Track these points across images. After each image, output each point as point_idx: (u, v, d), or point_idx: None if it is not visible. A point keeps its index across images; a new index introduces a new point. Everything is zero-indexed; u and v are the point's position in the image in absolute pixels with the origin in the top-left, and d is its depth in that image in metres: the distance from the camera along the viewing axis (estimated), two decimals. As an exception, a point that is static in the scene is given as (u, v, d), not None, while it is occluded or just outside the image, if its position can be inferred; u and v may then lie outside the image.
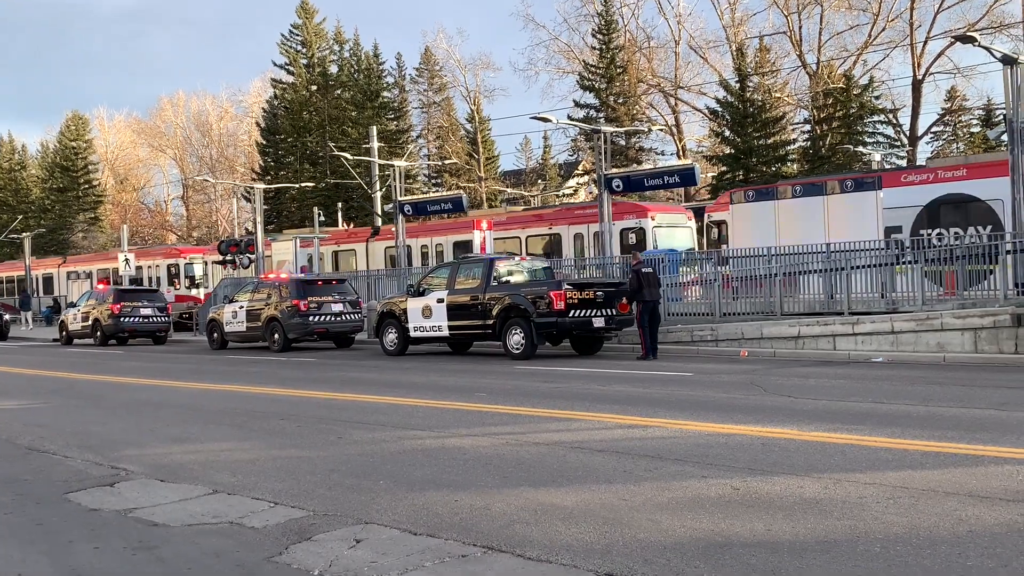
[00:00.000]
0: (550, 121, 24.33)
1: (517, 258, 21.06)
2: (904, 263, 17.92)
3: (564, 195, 61.31)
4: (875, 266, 18.32)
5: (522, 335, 17.65)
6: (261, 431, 10.60)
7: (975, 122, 57.48)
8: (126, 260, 37.69)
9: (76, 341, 31.52)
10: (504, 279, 18.93)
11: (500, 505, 6.64)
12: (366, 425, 10.46)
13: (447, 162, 59.24)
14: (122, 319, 29.13)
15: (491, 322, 18.22)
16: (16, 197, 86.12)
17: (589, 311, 17.62)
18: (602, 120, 48.94)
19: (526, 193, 62.49)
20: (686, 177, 21.36)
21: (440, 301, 19.20)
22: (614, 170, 23.75)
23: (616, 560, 5.32)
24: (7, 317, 40.17)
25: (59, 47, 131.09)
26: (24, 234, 59.30)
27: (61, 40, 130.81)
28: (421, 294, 19.70)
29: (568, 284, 17.71)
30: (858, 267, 18.39)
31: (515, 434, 9.40)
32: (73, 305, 33.01)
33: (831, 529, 5.69)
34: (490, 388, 13.47)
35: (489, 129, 67.66)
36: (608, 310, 17.93)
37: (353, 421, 10.83)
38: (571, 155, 64.61)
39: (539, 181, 68.33)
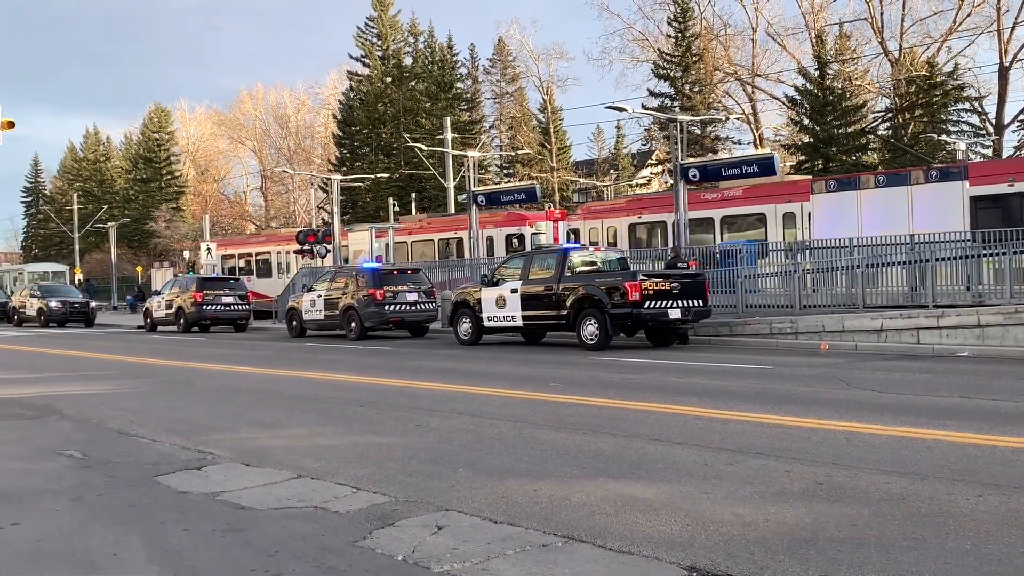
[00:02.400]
0: (625, 111, 24.17)
1: (591, 248, 21.01)
2: (991, 255, 17.38)
3: (637, 185, 60.91)
4: (961, 258, 17.84)
5: (596, 326, 17.60)
6: (341, 417, 10.76)
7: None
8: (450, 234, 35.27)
9: (159, 328, 32.37)
10: (578, 269, 18.91)
11: (579, 495, 6.64)
12: (443, 413, 10.55)
13: (520, 152, 59.24)
14: (204, 307, 29.85)
15: (565, 312, 18.21)
16: (101, 188, 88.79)
17: (665, 302, 17.49)
18: (677, 109, 48.48)
19: (598, 183, 62.21)
20: (765, 167, 20.97)
21: (514, 291, 19.26)
22: (690, 159, 23.48)
23: (699, 553, 5.29)
24: (93, 304, 41.43)
25: (139, 41, 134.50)
26: (109, 224, 61.14)
27: (141, 34, 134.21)
28: (495, 284, 19.79)
29: (644, 274, 17.60)
30: (943, 259, 17.92)
31: (592, 425, 9.39)
32: (157, 293, 33.91)
33: (919, 525, 5.57)
34: (565, 378, 13.48)
35: (561, 119, 67.61)
36: (684, 301, 17.77)
37: (430, 409, 10.93)
38: (644, 144, 64.15)
39: (611, 171, 67.93)
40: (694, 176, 22.12)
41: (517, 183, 48.94)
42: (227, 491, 7.34)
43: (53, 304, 38.20)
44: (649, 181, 61.60)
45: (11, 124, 24.64)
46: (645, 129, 58.99)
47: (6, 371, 18.51)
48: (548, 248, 20.97)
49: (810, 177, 29.24)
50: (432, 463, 7.95)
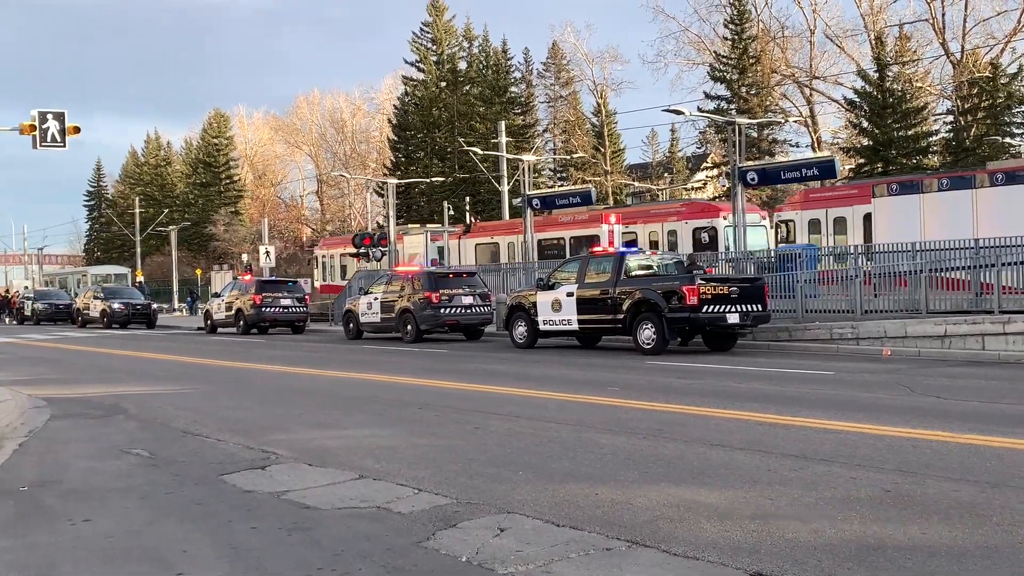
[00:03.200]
0: (682, 113, 24.03)
1: (648, 252, 20.89)
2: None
3: (693, 188, 60.55)
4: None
5: (653, 330, 17.48)
6: (400, 419, 10.84)
7: None
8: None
9: (219, 330, 32.86)
10: (634, 273, 18.80)
11: (642, 500, 6.62)
12: (501, 416, 10.57)
13: (576, 156, 59.14)
14: (263, 309, 30.20)
15: (621, 316, 18.11)
16: (162, 192, 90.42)
17: (723, 307, 17.30)
18: (733, 111, 48.09)
19: (653, 187, 61.86)
20: (825, 169, 20.66)
21: (570, 295, 19.21)
22: (749, 162, 23.22)
23: (764, 560, 5.24)
24: (155, 306, 42.19)
25: (198, 48, 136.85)
26: (170, 227, 62.30)
27: (200, 41, 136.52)
28: (551, 288, 19.75)
29: (702, 279, 17.42)
30: (1009, 263, 17.48)
31: (652, 429, 9.34)
32: (217, 295, 34.43)
33: (991, 535, 5.46)
34: (623, 383, 13.42)
35: (615, 123, 67.31)
36: (743, 306, 17.56)
37: (488, 412, 10.96)
38: (699, 148, 63.79)
39: (665, 175, 67.56)
40: (752, 179, 21.90)
41: (572, 187, 48.80)
42: (291, 490, 7.44)
43: (116, 306, 38.94)
44: (704, 185, 61.13)
45: (77, 129, 25.27)
46: (700, 132, 58.71)
47: (73, 371, 18.97)
48: (604, 251, 20.81)
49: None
50: (492, 466, 7.98)
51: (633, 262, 18.99)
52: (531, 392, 12.57)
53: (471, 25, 68.03)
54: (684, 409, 10.62)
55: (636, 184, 62.55)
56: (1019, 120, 49.76)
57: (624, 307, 18.02)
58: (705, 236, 28.58)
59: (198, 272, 66.31)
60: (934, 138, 49.73)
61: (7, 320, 50.74)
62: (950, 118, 51.37)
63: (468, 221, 45.83)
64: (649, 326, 17.54)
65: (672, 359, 16.88)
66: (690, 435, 8.94)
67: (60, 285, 65.76)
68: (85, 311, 40.76)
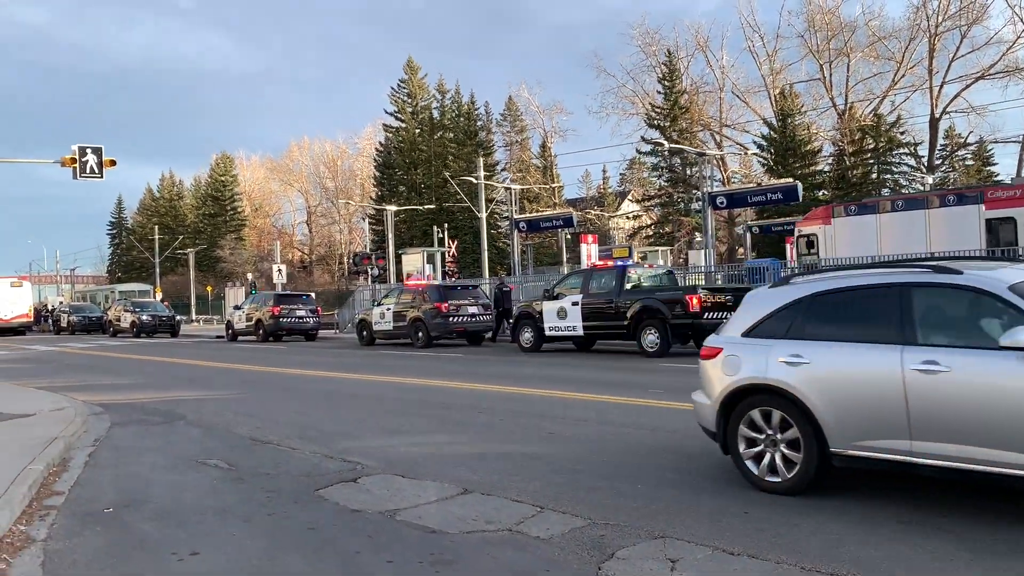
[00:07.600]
0: (663, 145, 22.65)
1: (646, 265, 19.21)
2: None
3: (635, 216, 60.06)
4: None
5: (656, 335, 15.82)
6: (466, 424, 9.09)
7: (969, 157, 54.97)
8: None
9: (240, 338, 30.52)
10: (632, 284, 17.15)
11: (805, 521, 4.98)
12: (566, 420, 8.88)
13: (536, 187, 57.58)
14: (281, 319, 27.97)
15: (626, 323, 16.40)
16: (175, 221, 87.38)
17: (722, 313, 15.74)
18: (667, 153, 47.22)
19: (589, 215, 60.78)
20: (788, 193, 19.30)
21: (575, 304, 17.49)
22: (718, 189, 21.81)
23: None
24: (178, 317, 39.55)
25: (198, 104, 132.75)
26: (188, 250, 59.58)
27: (199, 99, 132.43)
28: (555, 298, 18.03)
29: (703, 288, 15.84)
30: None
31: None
32: (238, 308, 32.06)
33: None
34: (658, 384, 11.66)
35: (556, 164, 66.50)
36: (737, 313, 15.98)
37: (550, 416, 9.25)
38: (619, 186, 63.87)
39: (596, 207, 66.76)
40: (722, 203, 20.44)
41: (557, 211, 47.40)
42: (401, 508, 5.71)
43: (145, 317, 36.28)
44: (639, 216, 60.18)
45: (113, 162, 23.16)
46: (621, 173, 57.75)
47: (119, 377, 16.79)
48: (605, 265, 19.09)
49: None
50: (601, 477, 6.33)
51: (633, 274, 17.34)
52: (578, 395, 10.81)
53: (443, 80, 66.62)
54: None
55: (584, 213, 61.34)
56: (896, 161, 49.87)
57: (628, 314, 16.32)
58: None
59: (209, 289, 63.41)
60: (827, 175, 49.55)
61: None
62: (840, 160, 51.25)
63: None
64: (653, 331, 15.88)
65: (679, 361, 15.19)
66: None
67: (91, 300, 62.27)
68: (116, 322, 37.94)
